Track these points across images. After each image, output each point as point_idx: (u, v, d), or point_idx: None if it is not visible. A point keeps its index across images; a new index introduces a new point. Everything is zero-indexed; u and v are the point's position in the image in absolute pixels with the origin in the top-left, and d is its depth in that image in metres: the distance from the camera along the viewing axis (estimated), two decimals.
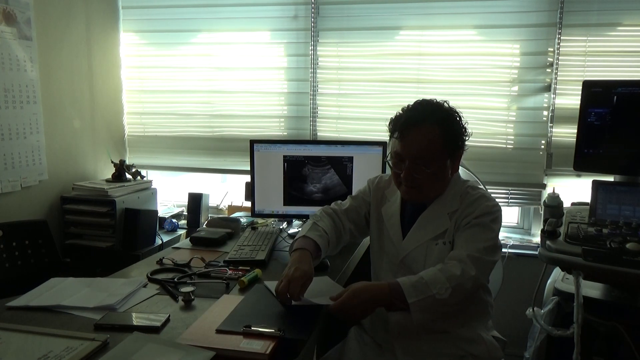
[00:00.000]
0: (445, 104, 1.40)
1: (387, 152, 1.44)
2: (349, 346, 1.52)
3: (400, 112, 1.40)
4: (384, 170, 2.12)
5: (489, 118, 2.52)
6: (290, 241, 2.04)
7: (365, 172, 2.12)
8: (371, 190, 1.60)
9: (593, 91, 1.84)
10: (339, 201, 1.65)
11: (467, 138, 1.41)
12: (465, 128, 1.41)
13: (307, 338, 1.18)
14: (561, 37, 2.37)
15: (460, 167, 2.44)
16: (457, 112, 1.40)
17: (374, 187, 1.60)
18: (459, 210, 1.39)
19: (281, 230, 2.18)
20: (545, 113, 2.45)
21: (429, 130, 1.33)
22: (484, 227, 1.34)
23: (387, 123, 1.43)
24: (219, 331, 1.17)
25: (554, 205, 1.81)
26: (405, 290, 1.22)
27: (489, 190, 2.45)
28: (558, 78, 2.40)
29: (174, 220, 2.80)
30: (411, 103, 1.41)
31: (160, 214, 2.78)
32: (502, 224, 2.61)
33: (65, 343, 1.09)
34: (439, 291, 1.22)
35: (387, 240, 1.49)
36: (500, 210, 1.39)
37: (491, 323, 1.52)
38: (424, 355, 1.38)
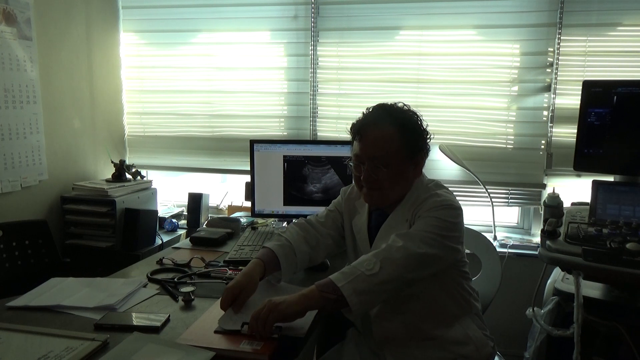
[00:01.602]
0: (405, 107, 1.40)
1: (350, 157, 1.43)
2: (347, 348, 1.52)
3: (360, 116, 1.40)
4: None
5: (489, 118, 2.52)
6: None
7: None
8: (343, 201, 1.58)
9: (593, 91, 1.84)
10: (317, 213, 1.63)
11: (429, 140, 1.40)
12: (427, 131, 1.40)
13: (306, 337, 1.17)
14: (561, 37, 2.37)
15: (460, 167, 2.48)
16: (417, 115, 1.40)
17: (346, 198, 1.58)
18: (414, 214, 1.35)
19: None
20: (545, 113, 2.45)
21: (386, 131, 1.33)
22: (425, 219, 1.29)
23: (349, 128, 1.41)
24: (217, 332, 1.17)
25: (554, 205, 1.81)
26: (333, 278, 1.18)
27: (488, 190, 2.47)
28: (558, 78, 2.40)
29: (174, 220, 2.79)
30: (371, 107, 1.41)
31: (160, 214, 2.78)
32: (503, 224, 2.65)
33: (65, 343, 1.09)
34: (367, 267, 1.18)
35: (360, 253, 1.45)
36: (451, 204, 1.32)
37: (481, 320, 1.49)
38: None
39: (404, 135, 1.34)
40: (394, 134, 1.33)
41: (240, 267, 1.65)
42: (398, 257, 1.21)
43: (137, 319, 1.25)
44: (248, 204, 2.45)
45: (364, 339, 1.52)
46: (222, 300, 1.27)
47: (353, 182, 1.46)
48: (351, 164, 1.41)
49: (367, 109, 1.40)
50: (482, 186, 2.47)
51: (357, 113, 1.43)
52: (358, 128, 1.37)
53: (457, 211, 1.33)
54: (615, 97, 1.80)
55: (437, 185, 1.43)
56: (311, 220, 1.58)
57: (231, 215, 2.56)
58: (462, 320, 1.40)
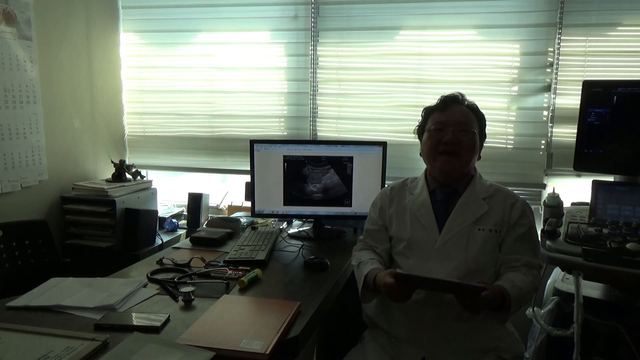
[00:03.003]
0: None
1: (426, 126, 1.57)
2: (368, 348, 1.51)
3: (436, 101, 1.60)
4: (383, 170, 2.12)
5: (489, 118, 2.45)
6: (291, 241, 2.05)
7: (365, 172, 2.12)
8: (387, 194, 1.64)
9: (593, 91, 1.84)
10: (360, 237, 1.68)
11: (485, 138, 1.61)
12: None
13: (323, 308, 1.15)
14: (561, 37, 2.37)
15: None
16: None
17: (390, 190, 1.64)
18: (499, 200, 1.51)
19: (281, 230, 2.18)
20: (545, 113, 2.45)
21: (465, 108, 1.54)
22: (530, 227, 1.49)
23: (421, 112, 1.61)
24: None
25: (554, 205, 1.81)
26: (512, 303, 1.30)
27: None
28: (558, 78, 2.40)
29: (174, 220, 2.80)
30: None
31: (160, 214, 2.78)
32: None
33: (65, 343, 1.09)
34: (528, 301, 1.38)
35: (416, 230, 1.51)
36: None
37: None
38: (450, 349, 1.41)
39: (477, 118, 1.55)
40: (471, 113, 1.54)
41: (240, 267, 1.65)
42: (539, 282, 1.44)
43: (137, 319, 1.25)
44: (248, 204, 2.45)
45: (387, 329, 1.52)
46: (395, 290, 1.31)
47: (426, 153, 1.55)
48: (432, 129, 1.52)
49: (441, 95, 1.58)
50: None
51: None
52: (442, 102, 1.55)
53: None
54: (615, 97, 1.80)
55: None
56: (367, 241, 1.63)
57: (231, 215, 2.56)
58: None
